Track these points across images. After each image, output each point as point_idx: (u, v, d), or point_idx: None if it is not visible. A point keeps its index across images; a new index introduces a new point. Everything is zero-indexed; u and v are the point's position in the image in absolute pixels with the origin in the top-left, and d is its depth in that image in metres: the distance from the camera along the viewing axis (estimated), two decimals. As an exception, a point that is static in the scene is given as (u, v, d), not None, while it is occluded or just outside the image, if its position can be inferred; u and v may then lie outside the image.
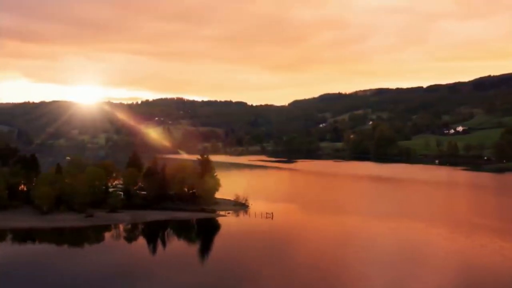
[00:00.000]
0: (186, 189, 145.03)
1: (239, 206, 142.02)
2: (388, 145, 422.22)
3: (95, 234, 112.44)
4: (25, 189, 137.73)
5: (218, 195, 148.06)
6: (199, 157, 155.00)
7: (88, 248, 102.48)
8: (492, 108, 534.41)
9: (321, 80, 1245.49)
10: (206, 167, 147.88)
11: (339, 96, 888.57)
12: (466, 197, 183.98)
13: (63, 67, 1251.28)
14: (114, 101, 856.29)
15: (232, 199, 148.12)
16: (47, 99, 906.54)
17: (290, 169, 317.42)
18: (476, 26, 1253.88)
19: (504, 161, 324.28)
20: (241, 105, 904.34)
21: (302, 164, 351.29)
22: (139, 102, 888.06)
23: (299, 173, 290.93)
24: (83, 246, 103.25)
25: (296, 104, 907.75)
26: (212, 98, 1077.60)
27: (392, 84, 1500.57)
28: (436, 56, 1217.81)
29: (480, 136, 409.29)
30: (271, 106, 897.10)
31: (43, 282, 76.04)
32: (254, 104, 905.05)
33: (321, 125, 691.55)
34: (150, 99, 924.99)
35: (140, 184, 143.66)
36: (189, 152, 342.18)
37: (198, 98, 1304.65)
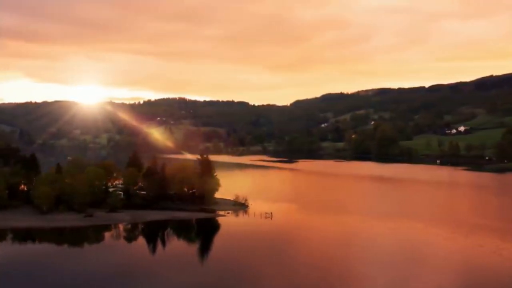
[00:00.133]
0: (186, 189, 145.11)
1: (239, 206, 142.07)
2: (389, 145, 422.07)
3: (94, 234, 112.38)
4: (25, 189, 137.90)
5: (218, 195, 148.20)
6: (198, 157, 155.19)
7: (88, 248, 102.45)
8: (493, 108, 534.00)
9: (323, 80, 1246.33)
10: (206, 167, 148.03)
11: (341, 96, 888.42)
12: (466, 197, 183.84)
13: (65, 67, 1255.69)
14: (116, 101, 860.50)
15: (232, 199, 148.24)
16: (49, 99, 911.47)
17: (291, 169, 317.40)
18: (478, 26, 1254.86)
19: (506, 161, 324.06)
20: (243, 105, 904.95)
21: (303, 164, 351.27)
22: (141, 102, 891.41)
23: (300, 173, 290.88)
24: (83, 246, 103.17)
25: (298, 104, 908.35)
26: (214, 98, 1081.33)
27: (394, 84, 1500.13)
28: (438, 56, 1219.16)
29: (482, 136, 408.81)
30: (273, 106, 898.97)
31: (43, 282, 76.03)
32: (256, 104, 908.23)
33: (322, 125, 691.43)
34: (152, 99, 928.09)
35: (140, 184, 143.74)
36: (191, 152, 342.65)
37: (200, 98, 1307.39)
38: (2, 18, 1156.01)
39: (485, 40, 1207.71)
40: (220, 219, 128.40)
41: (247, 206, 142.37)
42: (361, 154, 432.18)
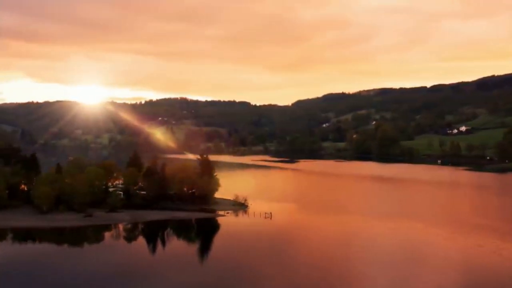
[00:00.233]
0: (185, 189, 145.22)
1: (239, 206, 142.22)
2: (390, 145, 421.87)
3: (94, 234, 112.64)
4: (25, 189, 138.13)
5: (218, 195, 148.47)
6: (198, 157, 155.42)
7: (87, 248, 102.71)
8: (495, 108, 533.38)
9: (325, 80, 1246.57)
10: (206, 167, 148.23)
11: (342, 96, 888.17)
12: (467, 197, 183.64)
13: (66, 67, 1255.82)
14: (118, 101, 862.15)
15: (232, 199, 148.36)
16: (51, 99, 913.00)
17: (291, 169, 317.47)
18: (480, 26, 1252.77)
19: (507, 161, 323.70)
20: (244, 105, 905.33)
21: (304, 164, 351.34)
22: (143, 102, 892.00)
23: (301, 173, 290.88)
24: (82, 246, 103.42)
25: (299, 104, 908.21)
26: (216, 98, 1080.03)
27: (396, 84, 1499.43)
28: (440, 56, 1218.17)
29: (483, 136, 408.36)
30: (275, 106, 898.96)
31: (43, 282, 76.17)
32: (257, 104, 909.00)
33: (324, 125, 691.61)
34: (154, 99, 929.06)
35: (140, 184, 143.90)
36: (192, 152, 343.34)
37: (202, 98, 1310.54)
38: (3, 18, 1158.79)
39: (487, 40, 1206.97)
40: (220, 219, 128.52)
41: (247, 206, 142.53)
42: (362, 154, 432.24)
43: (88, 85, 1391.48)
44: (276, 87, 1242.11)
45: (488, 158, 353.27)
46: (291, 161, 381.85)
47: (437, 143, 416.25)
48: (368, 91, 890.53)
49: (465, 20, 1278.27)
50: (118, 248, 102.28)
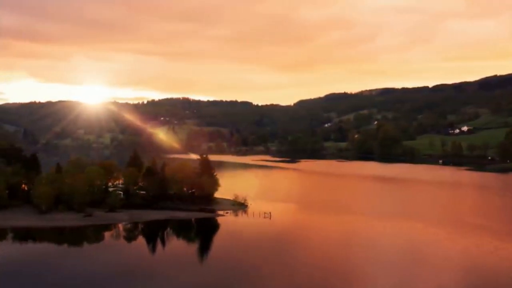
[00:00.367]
0: (185, 189, 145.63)
1: (238, 205, 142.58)
2: (392, 145, 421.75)
3: (94, 233, 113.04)
4: (26, 188, 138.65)
5: (218, 194, 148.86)
6: (198, 156, 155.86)
7: (87, 248, 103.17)
8: (497, 108, 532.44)
9: (327, 80, 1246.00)
10: (205, 167, 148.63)
11: (344, 96, 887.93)
12: (468, 198, 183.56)
13: (69, 67, 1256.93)
14: (120, 101, 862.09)
15: (231, 198, 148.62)
16: (53, 99, 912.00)
17: (292, 169, 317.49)
18: (483, 26, 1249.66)
19: (508, 161, 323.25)
20: (246, 105, 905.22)
21: (305, 164, 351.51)
22: (145, 102, 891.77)
23: (302, 173, 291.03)
24: (82, 246, 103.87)
25: (301, 104, 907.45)
26: (218, 98, 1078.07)
27: (398, 84, 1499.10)
28: (442, 56, 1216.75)
29: (485, 136, 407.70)
30: (277, 106, 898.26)
31: (43, 281, 76.49)
32: (259, 104, 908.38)
33: (326, 125, 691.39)
34: (156, 99, 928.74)
35: (140, 183, 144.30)
36: (194, 152, 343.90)
37: (204, 98, 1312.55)
38: (6, 18, 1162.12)
39: (490, 40, 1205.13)
40: (220, 219, 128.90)
41: (247, 206, 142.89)
42: (363, 154, 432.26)
43: (91, 85, 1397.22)
44: (278, 87, 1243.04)
45: (489, 158, 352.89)
46: (293, 161, 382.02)
47: (438, 143, 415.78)
48: (370, 91, 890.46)
49: (469, 20, 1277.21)
50: (118, 247, 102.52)
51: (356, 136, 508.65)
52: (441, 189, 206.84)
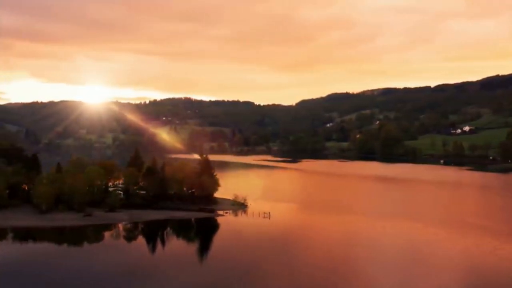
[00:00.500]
0: (185, 189, 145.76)
1: (238, 205, 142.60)
2: (394, 145, 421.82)
3: (94, 233, 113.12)
4: (26, 188, 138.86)
5: (218, 194, 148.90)
6: (198, 156, 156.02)
7: (87, 247, 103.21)
8: (499, 108, 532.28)
9: (329, 80, 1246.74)
10: (205, 167, 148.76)
11: (346, 96, 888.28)
12: (469, 198, 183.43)
13: (71, 67, 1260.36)
14: (122, 101, 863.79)
15: (231, 198, 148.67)
16: (55, 99, 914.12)
17: (294, 169, 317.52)
18: (484, 26, 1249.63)
19: (510, 161, 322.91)
20: (248, 105, 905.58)
21: (307, 164, 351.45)
22: (147, 102, 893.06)
23: (303, 173, 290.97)
24: (82, 245, 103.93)
25: (303, 104, 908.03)
26: (220, 98, 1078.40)
27: (400, 84, 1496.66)
28: (443, 56, 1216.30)
29: (487, 136, 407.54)
30: (278, 106, 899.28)
31: (43, 281, 76.58)
32: (261, 104, 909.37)
33: (328, 125, 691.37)
34: (158, 99, 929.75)
35: (140, 183, 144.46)
36: (197, 152, 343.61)
37: (206, 98, 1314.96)
38: (7, 18, 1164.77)
39: (491, 40, 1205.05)
40: (219, 219, 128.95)
41: (246, 205, 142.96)
42: (365, 154, 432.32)
43: (93, 85, 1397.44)
44: (279, 87, 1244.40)
45: (491, 158, 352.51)
46: (294, 161, 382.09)
47: (440, 143, 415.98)
48: (372, 91, 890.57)
49: (470, 20, 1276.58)
50: (118, 247, 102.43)
51: (358, 136, 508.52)
52: (442, 189, 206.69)
